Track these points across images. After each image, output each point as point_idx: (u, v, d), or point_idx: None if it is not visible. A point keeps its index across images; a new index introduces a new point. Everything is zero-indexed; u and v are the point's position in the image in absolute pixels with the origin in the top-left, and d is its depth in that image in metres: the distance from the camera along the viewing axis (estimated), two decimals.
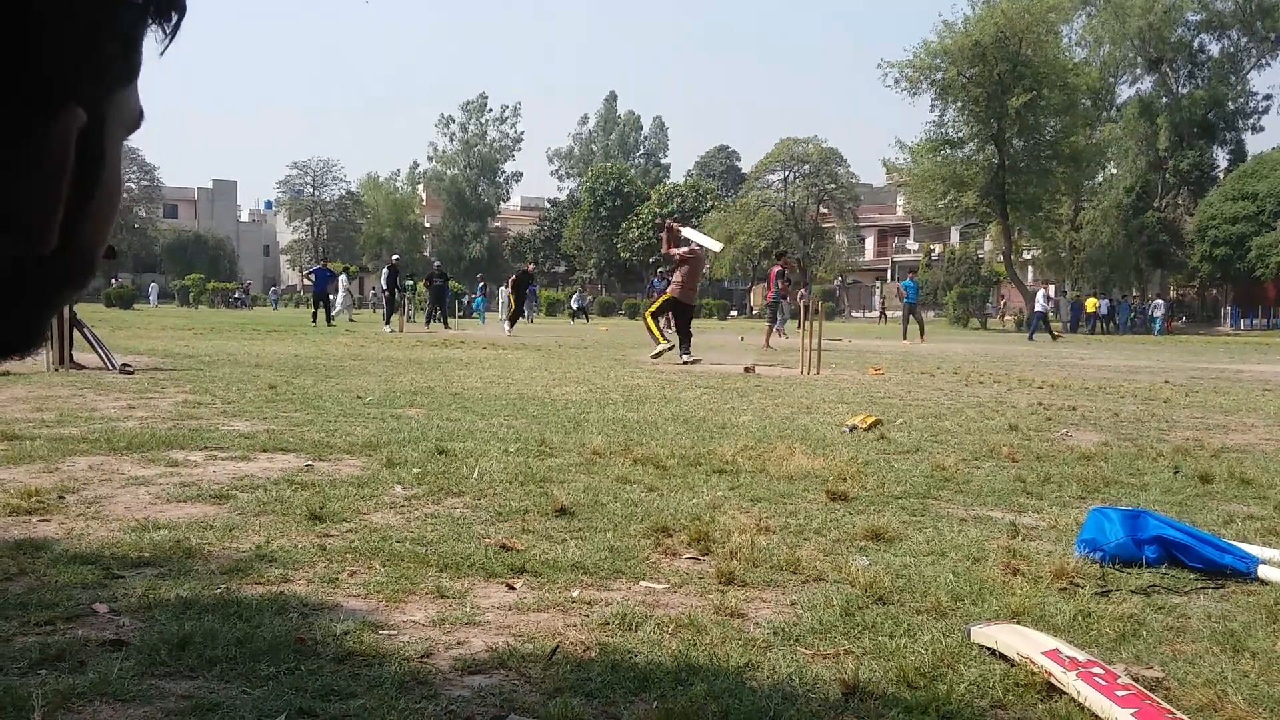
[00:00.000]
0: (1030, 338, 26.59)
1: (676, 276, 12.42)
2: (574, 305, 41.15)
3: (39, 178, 0.38)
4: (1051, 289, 31.55)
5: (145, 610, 2.44)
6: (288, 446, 4.93)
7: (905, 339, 23.16)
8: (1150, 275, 48.17)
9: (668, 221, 12.81)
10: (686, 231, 12.96)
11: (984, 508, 3.97)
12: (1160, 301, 42.17)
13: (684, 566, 3.02)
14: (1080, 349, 21.68)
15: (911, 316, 24.41)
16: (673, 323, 12.69)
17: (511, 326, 23.31)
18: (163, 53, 0.44)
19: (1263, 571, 2.99)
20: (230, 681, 2.06)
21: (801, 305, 13.97)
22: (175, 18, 0.42)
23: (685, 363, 11.75)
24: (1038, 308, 29.75)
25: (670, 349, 12.33)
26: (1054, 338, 26.83)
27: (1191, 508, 4.02)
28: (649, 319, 13.02)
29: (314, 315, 23.66)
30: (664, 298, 12.76)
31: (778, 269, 18.39)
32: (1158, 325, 39.64)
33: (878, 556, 3.13)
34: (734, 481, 4.29)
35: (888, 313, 43.66)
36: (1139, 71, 50.92)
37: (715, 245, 14.54)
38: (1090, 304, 40.26)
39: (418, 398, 7.37)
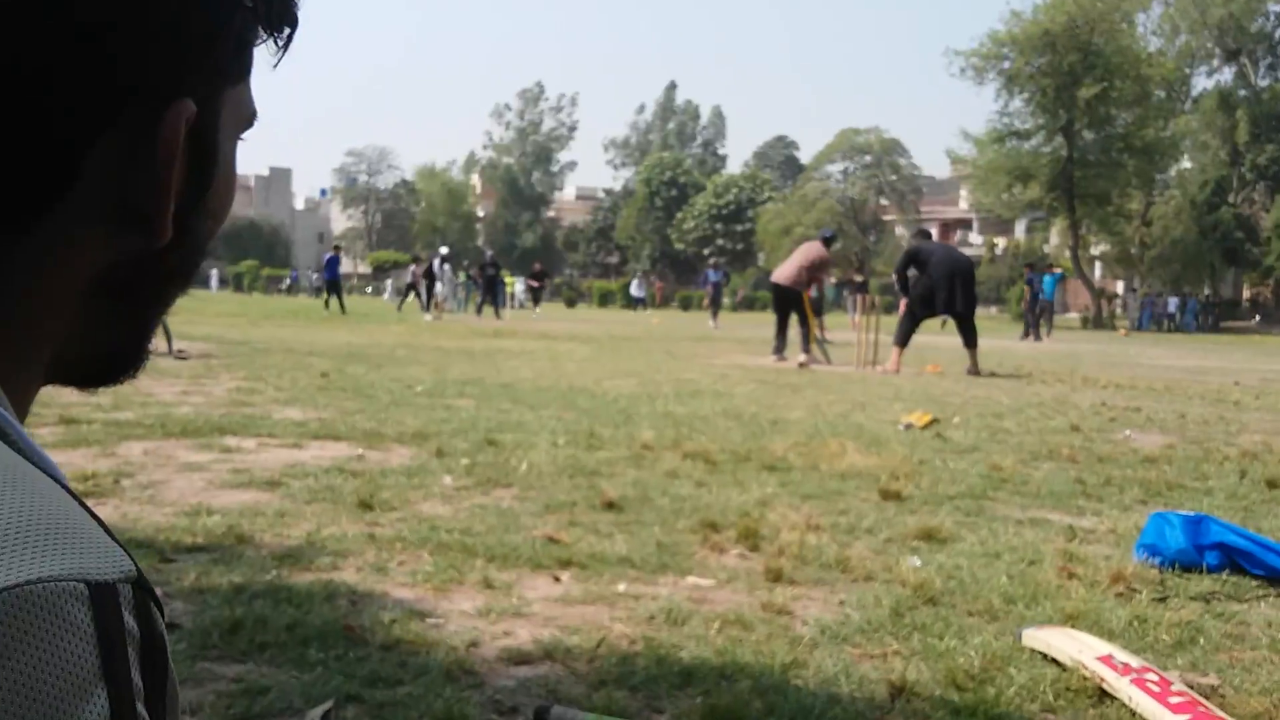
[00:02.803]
0: (1031, 335, 22.79)
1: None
2: (633, 294, 40.38)
3: (153, 169, 0.40)
4: (1058, 270, 27.48)
5: (197, 594, 2.50)
6: (339, 435, 5.01)
7: (1032, 337, 22.12)
8: (1224, 273, 46.73)
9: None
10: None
11: (1041, 510, 3.89)
12: (1174, 299, 40.27)
13: (731, 563, 3.00)
14: (1149, 347, 21.13)
15: (1043, 315, 23.46)
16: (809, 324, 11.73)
17: (479, 314, 24.29)
18: (276, 65, 0.46)
19: None
20: (280, 666, 2.09)
21: (851, 298, 13.21)
22: (288, 31, 0.45)
23: (804, 362, 11.09)
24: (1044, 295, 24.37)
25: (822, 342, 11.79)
26: (1037, 338, 22.76)
27: (1257, 514, 3.89)
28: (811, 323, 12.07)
29: (326, 302, 24.12)
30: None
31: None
32: (1192, 323, 37.91)
33: (930, 557, 3.08)
34: (784, 478, 4.25)
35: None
36: (1216, 63, 49.35)
37: None
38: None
39: (468, 388, 7.43)
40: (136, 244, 0.41)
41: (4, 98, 0.36)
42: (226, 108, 0.43)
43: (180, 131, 0.40)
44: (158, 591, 0.37)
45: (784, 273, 11.73)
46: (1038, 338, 22.55)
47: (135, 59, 0.37)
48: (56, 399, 5.85)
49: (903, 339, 10.78)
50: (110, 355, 0.45)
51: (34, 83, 0.36)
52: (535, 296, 29.24)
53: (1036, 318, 23.43)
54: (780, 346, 11.74)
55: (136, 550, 2.80)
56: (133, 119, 0.38)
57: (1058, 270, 26.71)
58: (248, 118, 0.45)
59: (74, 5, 0.36)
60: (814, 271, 11.60)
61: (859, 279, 22.88)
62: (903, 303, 11.12)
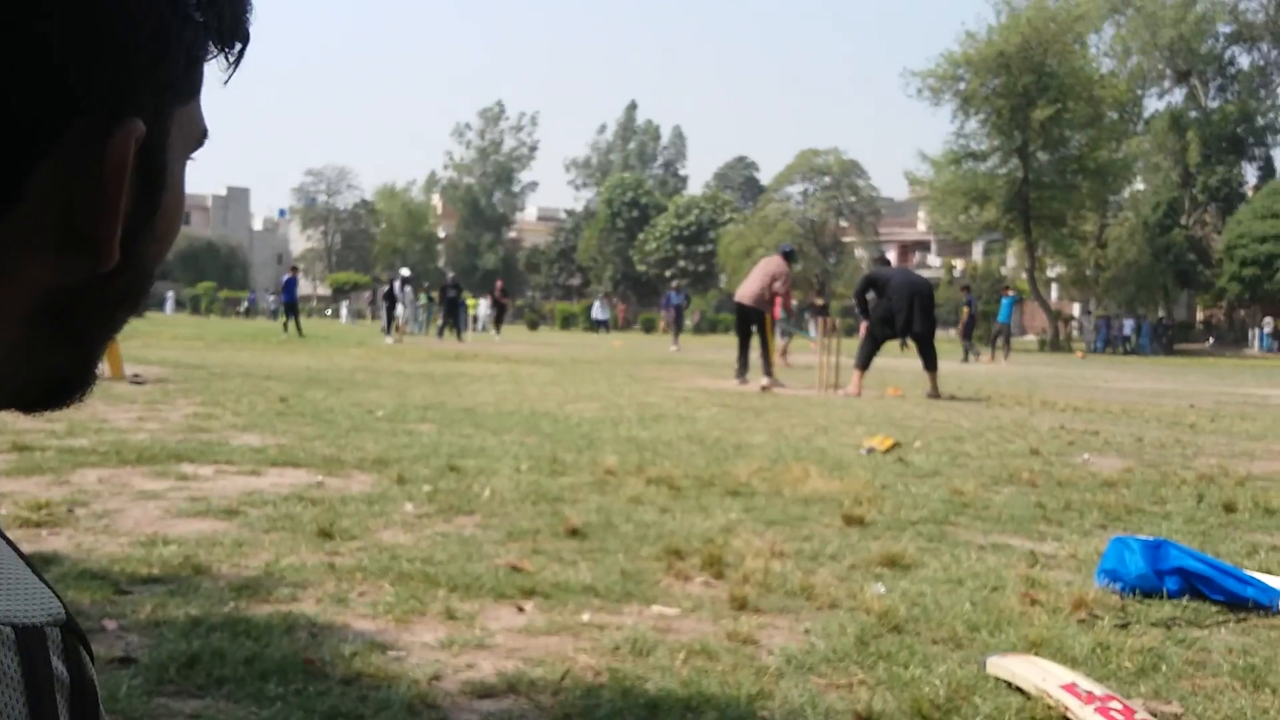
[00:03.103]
0: (972, 356, 22.71)
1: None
2: (596, 316, 40.19)
3: (100, 190, 0.38)
4: (1013, 293, 27.17)
5: (154, 627, 2.44)
6: (298, 461, 4.93)
7: (974, 358, 22.50)
8: (1177, 295, 47.69)
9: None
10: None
11: (1003, 535, 3.92)
12: (1128, 322, 41.19)
13: (696, 591, 2.99)
14: (1105, 370, 21.50)
15: (999, 337, 23.87)
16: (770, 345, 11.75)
17: (440, 336, 24.68)
18: (226, 81, 0.44)
19: None
20: (238, 701, 2.05)
21: (811, 320, 13.28)
22: (239, 46, 0.43)
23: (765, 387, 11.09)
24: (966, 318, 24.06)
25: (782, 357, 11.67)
26: (977, 358, 22.80)
27: (1215, 537, 3.95)
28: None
29: (284, 325, 23.99)
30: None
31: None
32: (1146, 345, 38.83)
33: (893, 584, 3.09)
34: (748, 504, 4.25)
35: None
36: (1167, 84, 50.53)
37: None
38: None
39: (429, 413, 7.36)
40: (82, 267, 0.39)
41: None
42: (176, 126, 0.41)
43: (129, 152, 0.38)
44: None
45: (746, 290, 11.68)
46: (977, 357, 23.04)
47: (82, 74, 0.36)
48: (9, 425, 5.72)
49: (864, 362, 10.86)
50: (55, 380, 0.43)
51: None
52: (498, 319, 28.82)
53: (986, 337, 23.97)
54: (743, 369, 11.76)
55: (91, 582, 2.74)
56: (78, 137, 0.37)
57: (1012, 293, 27.01)
58: (198, 136, 0.44)
59: (17, 18, 0.34)
60: (776, 285, 11.50)
61: (819, 302, 23.08)
62: (863, 326, 11.23)
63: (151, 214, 0.41)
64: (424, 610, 2.68)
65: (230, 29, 0.42)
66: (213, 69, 0.43)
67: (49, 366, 0.42)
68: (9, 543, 0.36)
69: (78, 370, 0.43)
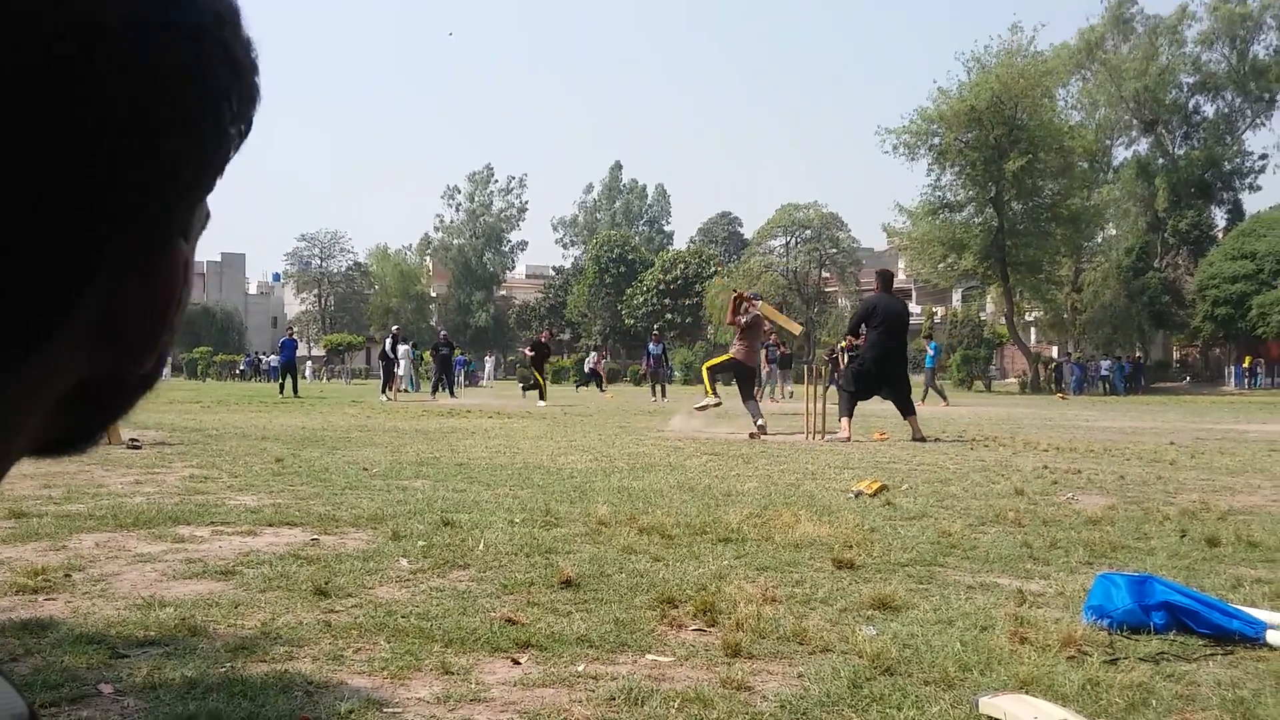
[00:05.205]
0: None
1: (738, 343, 12.06)
2: (588, 370, 39.97)
3: (151, 309, 0.40)
4: (934, 342, 28.17)
5: (150, 690, 2.44)
6: (294, 520, 4.94)
7: (924, 401, 23.06)
8: (1153, 336, 48.23)
9: (735, 291, 12.57)
10: (767, 310, 12.60)
11: (991, 574, 3.96)
12: (1106, 362, 41.61)
13: (690, 638, 3.01)
14: (1085, 410, 21.64)
15: (929, 380, 24.51)
16: (739, 387, 12.20)
17: (434, 394, 24.27)
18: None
19: (1271, 637, 2.97)
20: None
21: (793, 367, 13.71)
22: (247, 134, 0.44)
23: (754, 433, 11.23)
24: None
25: (718, 405, 11.99)
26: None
27: (1199, 572, 4.00)
28: (706, 372, 12.56)
29: (281, 386, 24.00)
30: (726, 357, 12.36)
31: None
32: (1120, 385, 39.22)
33: (885, 626, 3.12)
34: (740, 550, 4.28)
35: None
36: (1135, 134, 51.67)
37: (795, 328, 14.59)
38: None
39: (423, 469, 7.38)
40: (120, 361, 0.41)
41: (18, 247, 0.35)
42: (195, 219, 0.43)
43: (180, 272, 0.40)
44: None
45: (738, 350, 12.10)
46: (931, 398, 23.57)
47: (135, 203, 0.37)
48: (6, 493, 5.71)
49: (849, 410, 10.99)
50: (65, 443, 0.44)
51: (43, 233, 0.35)
52: (534, 376, 22.97)
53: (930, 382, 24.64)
54: (756, 414, 11.92)
55: (87, 647, 2.74)
56: (129, 258, 0.38)
57: (934, 340, 28.53)
58: (204, 219, 0.45)
59: (79, 154, 0.35)
60: (759, 332, 12.10)
61: (783, 350, 23.57)
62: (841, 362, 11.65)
63: (179, 311, 0.43)
64: (419, 666, 2.69)
65: (249, 130, 0.43)
66: None
67: (64, 433, 0.44)
68: None
69: (88, 437, 0.45)
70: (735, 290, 12.81)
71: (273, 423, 13.03)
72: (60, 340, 0.38)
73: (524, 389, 25.94)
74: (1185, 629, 3.06)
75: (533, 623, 3.09)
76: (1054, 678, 2.63)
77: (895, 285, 11.75)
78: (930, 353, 25.73)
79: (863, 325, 11.30)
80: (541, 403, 20.81)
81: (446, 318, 67.97)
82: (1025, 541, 4.57)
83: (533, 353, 22.92)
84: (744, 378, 12.03)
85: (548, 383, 23.33)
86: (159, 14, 0.36)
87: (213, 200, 0.45)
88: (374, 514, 5.09)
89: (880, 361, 10.97)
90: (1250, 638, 2.99)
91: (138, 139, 0.36)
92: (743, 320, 11.91)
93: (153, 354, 0.41)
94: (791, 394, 23.57)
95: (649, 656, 2.83)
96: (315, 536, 4.52)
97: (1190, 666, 2.81)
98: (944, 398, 24.06)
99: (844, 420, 10.89)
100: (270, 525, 4.81)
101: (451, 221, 74.01)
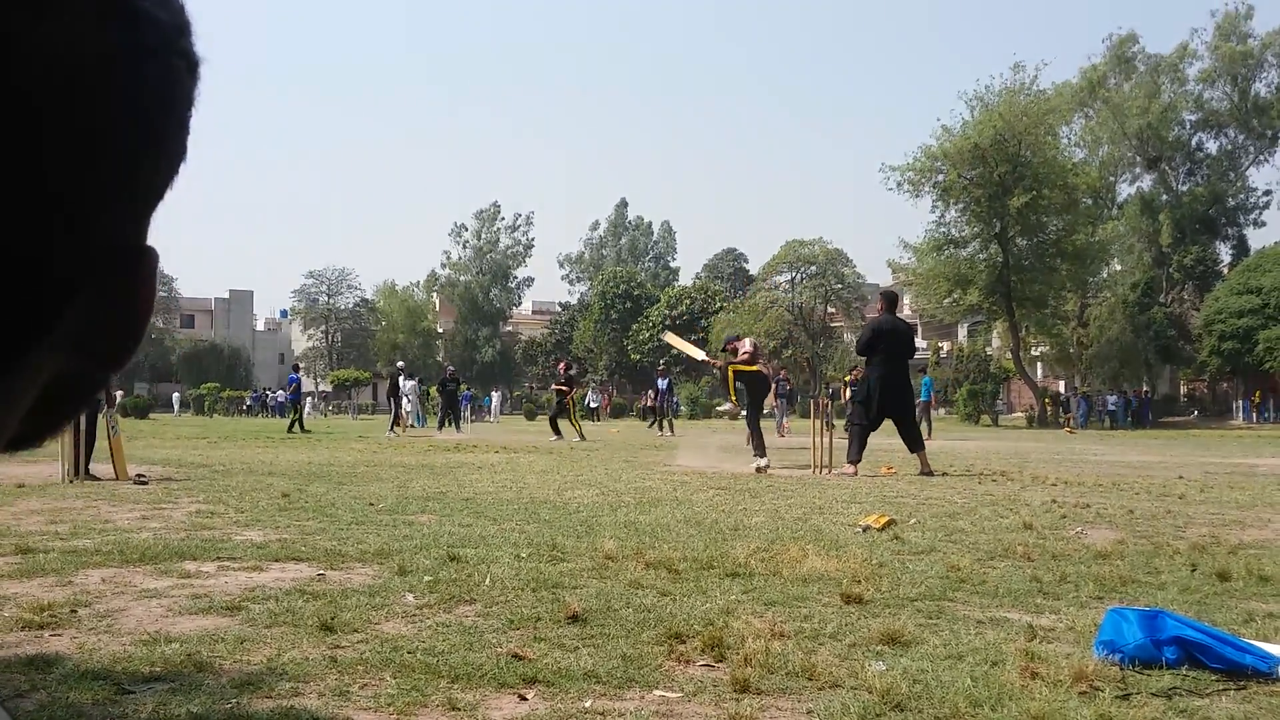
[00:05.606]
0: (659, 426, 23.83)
1: (760, 364, 12.66)
2: (591, 404, 40.09)
3: (131, 316, 0.41)
4: (928, 376, 28.12)
5: None
6: (300, 555, 4.93)
7: (931, 436, 23.09)
8: (1160, 370, 48.13)
9: (712, 360, 13.32)
10: (670, 337, 13.47)
11: (1000, 609, 3.93)
12: (1113, 397, 41.59)
13: (698, 674, 2.99)
14: (1093, 444, 21.55)
15: (922, 415, 24.61)
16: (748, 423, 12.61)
17: (440, 429, 24.59)
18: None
19: None
20: None
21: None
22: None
23: (761, 469, 11.19)
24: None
25: (767, 467, 11.46)
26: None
27: (1210, 606, 3.96)
28: (731, 373, 12.51)
29: (291, 424, 24.10)
30: (755, 367, 12.60)
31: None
32: (1124, 418, 39.15)
33: (894, 661, 3.10)
34: (747, 585, 4.26)
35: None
36: (1138, 170, 51.97)
37: (698, 354, 15.43)
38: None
39: (430, 503, 7.37)
40: (87, 366, 0.41)
41: (3, 266, 0.36)
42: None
43: (153, 278, 0.41)
44: None
45: (762, 366, 13.13)
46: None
47: (114, 218, 0.38)
48: (13, 529, 5.72)
49: (858, 449, 10.96)
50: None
51: (28, 254, 0.36)
52: (567, 407, 21.53)
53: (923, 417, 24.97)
54: (760, 446, 11.89)
55: (93, 683, 2.74)
56: (109, 268, 0.39)
57: (929, 373, 28.48)
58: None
59: (66, 173, 0.36)
60: (758, 361, 12.81)
61: (789, 384, 23.89)
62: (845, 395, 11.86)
63: (146, 317, 0.44)
64: (426, 701, 2.68)
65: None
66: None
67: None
68: None
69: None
70: (713, 360, 13.52)
71: (279, 458, 13.04)
72: (41, 350, 0.38)
73: (649, 424, 25.62)
74: (1197, 664, 3.03)
75: (539, 658, 3.08)
76: (1066, 713, 2.61)
77: (902, 319, 11.89)
78: (924, 388, 25.82)
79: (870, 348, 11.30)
80: (577, 439, 19.97)
81: (453, 353, 68.18)
82: (1035, 576, 4.54)
83: (567, 387, 21.80)
84: (761, 392, 12.75)
85: (578, 412, 22.28)
86: (129, 40, 0.37)
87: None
88: (380, 549, 5.08)
89: (885, 380, 10.96)
90: (1263, 673, 2.97)
91: (123, 161, 0.38)
92: (744, 355, 12.43)
93: (128, 359, 0.42)
94: (790, 430, 23.58)
95: (656, 692, 2.81)
96: (321, 572, 4.51)
97: (1203, 702, 2.78)
98: (928, 433, 24.18)
99: (852, 464, 10.86)
100: (276, 560, 4.80)
101: (459, 258, 74.50)
